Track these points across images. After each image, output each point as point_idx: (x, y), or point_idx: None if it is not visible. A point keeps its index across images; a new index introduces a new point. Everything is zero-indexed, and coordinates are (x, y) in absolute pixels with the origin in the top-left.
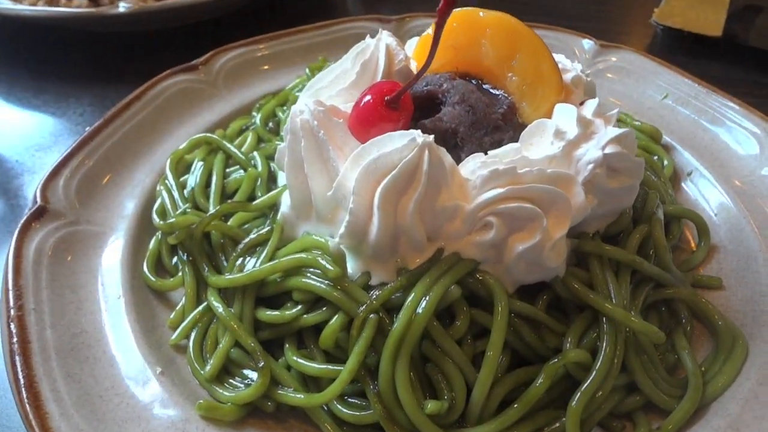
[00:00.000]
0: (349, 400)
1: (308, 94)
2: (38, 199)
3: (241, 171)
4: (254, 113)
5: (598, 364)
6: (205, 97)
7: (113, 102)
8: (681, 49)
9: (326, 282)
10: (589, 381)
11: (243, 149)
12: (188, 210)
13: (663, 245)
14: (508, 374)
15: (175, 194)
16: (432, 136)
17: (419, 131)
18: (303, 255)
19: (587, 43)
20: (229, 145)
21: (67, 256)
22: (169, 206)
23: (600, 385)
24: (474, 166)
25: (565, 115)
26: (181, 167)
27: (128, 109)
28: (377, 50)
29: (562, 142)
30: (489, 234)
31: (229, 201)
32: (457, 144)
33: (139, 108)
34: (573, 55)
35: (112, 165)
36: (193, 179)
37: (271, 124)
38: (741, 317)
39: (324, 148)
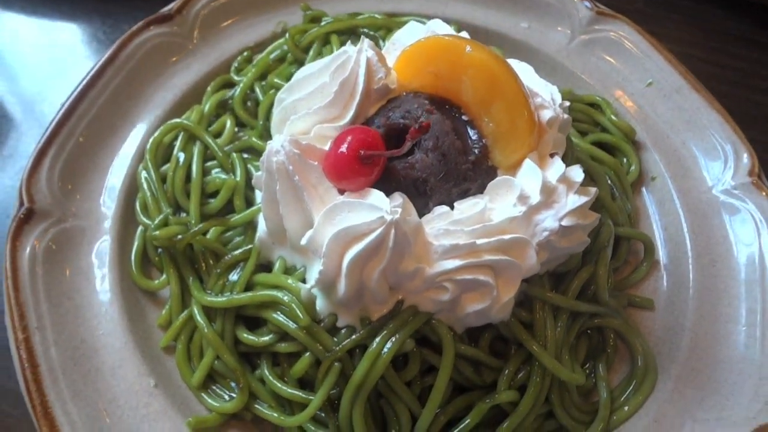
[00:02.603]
0: (319, 419)
1: (284, 106)
2: (24, 200)
3: (219, 169)
4: (233, 75)
5: (525, 399)
6: (181, 52)
7: None
8: None
9: (297, 325)
10: (515, 414)
11: (221, 139)
12: (170, 217)
13: (603, 286)
14: (448, 404)
15: (156, 190)
16: (399, 213)
17: (388, 205)
18: (278, 294)
19: (582, 9)
20: (207, 139)
21: (59, 260)
22: (150, 202)
23: (524, 419)
24: (437, 230)
25: (530, 178)
26: (161, 152)
27: (102, 76)
28: (357, 66)
29: (524, 207)
30: (444, 295)
31: (210, 220)
32: (426, 192)
33: (112, 73)
34: (566, 19)
35: (92, 145)
36: (172, 175)
37: (249, 103)
38: (659, 345)
39: (299, 193)
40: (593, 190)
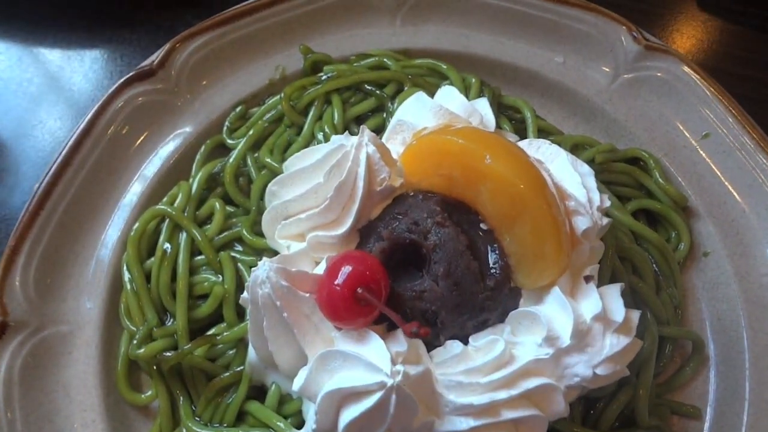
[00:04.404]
0: None
1: (275, 206)
2: None
3: (206, 267)
4: (226, 137)
5: None
6: (166, 112)
7: None
8: None
9: None
10: None
11: (210, 228)
12: (154, 329)
13: (644, 408)
14: None
15: (139, 294)
16: (401, 375)
17: (389, 365)
18: None
19: (629, 42)
20: (194, 232)
21: (37, 377)
22: (133, 308)
23: None
24: (449, 381)
25: (560, 314)
26: (145, 242)
27: (78, 151)
28: (355, 165)
29: (552, 348)
30: None
31: (198, 339)
32: (436, 324)
33: (90, 147)
34: (609, 54)
35: (69, 235)
36: (157, 272)
37: (241, 179)
38: None
39: (289, 330)
40: (635, 318)
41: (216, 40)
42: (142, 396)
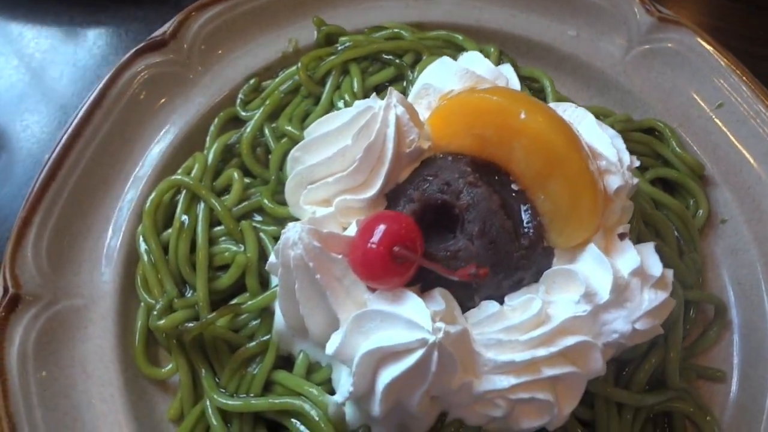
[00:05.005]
0: None
1: (299, 171)
2: (9, 285)
3: (228, 236)
4: (239, 109)
5: None
6: (178, 84)
7: None
8: None
9: None
10: None
11: (229, 198)
12: (174, 300)
13: (674, 370)
14: None
15: (157, 265)
16: (442, 332)
17: (429, 321)
18: (302, 405)
19: (642, 14)
20: (213, 201)
21: (52, 351)
22: (151, 278)
23: None
24: (487, 339)
25: (597, 271)
26: (161, 214)
27: (89, 121)
28: (384, 126)
29: (590, 305)
30: (495, 412)
31: (221, 309)
32: (471, 284)
33: (101, 118)
34: (622, 26)
35: (82, 206)
36: (175, 243)
37: (258, 150)
38: (735, 427)
39: (321, 292)
40: (669, 275)
41: (228, 12)
42: (162, 370)
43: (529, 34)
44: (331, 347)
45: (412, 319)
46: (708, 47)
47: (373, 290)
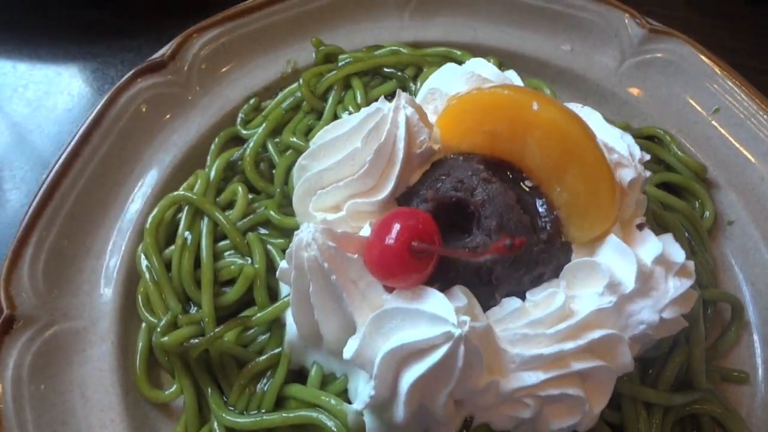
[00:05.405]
0: None
1: (308, 177)
2: (3, 306)
3: (233, 251)
4: (240, 128)
5: None
6: (177, 105)
7: None
8: None
9: None
10: None
11: (233, 212)
12: (179, 316)
13: (700, 370)
14: None
15: (160, 282)
16: (468, 325)
17: (453, 314)
18: (319, 417)
19: (633, 27)
20: (217, 215)
21: (49, 376)
22: (154, 297)
23: None
24: (513, 334)
25: (620, 260)
26: (163, 232)
27: (88, 142)
28: (394, 128)
29: (615, 296)
30: (524, 412)
31: (228, 322)
32: (491, 281)
33: (100, 138)
34: (614, 39)
35: (81, 225)
36: (178, 260)
37: (262, 165)
38: (765, 426)
39: (337, 293)
40: (691, 264)
41: (227, 34)
42: (165, 393)
43: (524, 50)
44: (348, 351)
45: (436, 314)
46: (700, 55)
47: (390, 291)
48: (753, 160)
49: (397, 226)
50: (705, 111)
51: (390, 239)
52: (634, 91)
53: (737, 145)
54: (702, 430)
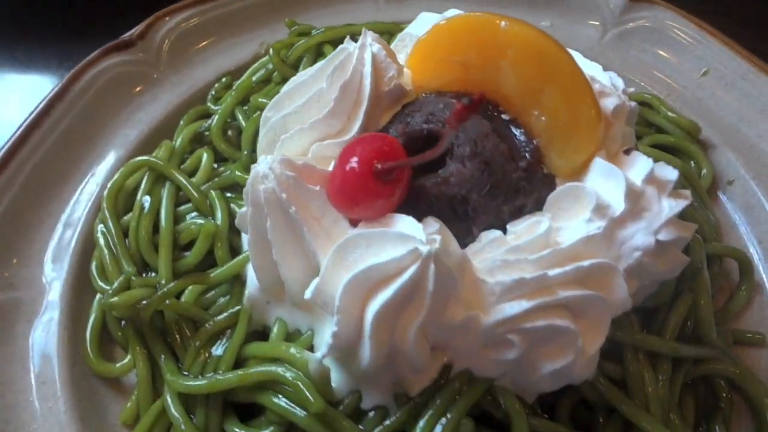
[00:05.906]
0: None
1: (272, 125)
2: None
3: (195, 213)
4: (210, 105)
5: None
6: (146, 83)
7: None
8: None
9: (306, 412)
10: None
11: (197, 177)
12: (132, 278)
13: (708, 320)
14: None
15: (116, 248)
16: (438, 241)
17: (422, 233)
18: (278, 370)
19: None
20: (179, 177)
21: None
22: (109, 263)
23: None
24: (491, 262)
25: (607, 181)
26: (122, 199)
27: (50, 113)
28: (360, 64)
29: (604, 220)
30: (509, 353)
31: (185, 277)
32: (467, 214)
33: (63, 110)
34: (594, 11)
35: (36, 196)
36: (136, 225)
37: (230, 132)
38: None
39: (297, 229)
40: (687, 193)
41: (199, 15)
42: (116, 366)
43: None
44: (309, 290)
45: (404, 233)
46: (683, 19)
47: (356, 224)
48: (748, 119)
49: (359, 150)
50: (694, 75)
51: (352, 162)
52: (618, 60)
53: (732, 105)
54: (716, 395)
